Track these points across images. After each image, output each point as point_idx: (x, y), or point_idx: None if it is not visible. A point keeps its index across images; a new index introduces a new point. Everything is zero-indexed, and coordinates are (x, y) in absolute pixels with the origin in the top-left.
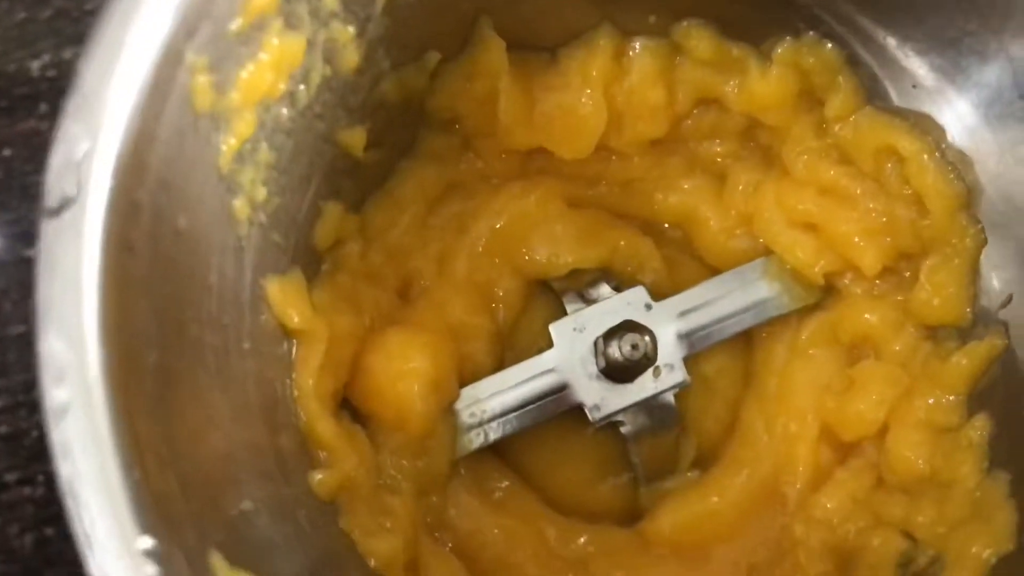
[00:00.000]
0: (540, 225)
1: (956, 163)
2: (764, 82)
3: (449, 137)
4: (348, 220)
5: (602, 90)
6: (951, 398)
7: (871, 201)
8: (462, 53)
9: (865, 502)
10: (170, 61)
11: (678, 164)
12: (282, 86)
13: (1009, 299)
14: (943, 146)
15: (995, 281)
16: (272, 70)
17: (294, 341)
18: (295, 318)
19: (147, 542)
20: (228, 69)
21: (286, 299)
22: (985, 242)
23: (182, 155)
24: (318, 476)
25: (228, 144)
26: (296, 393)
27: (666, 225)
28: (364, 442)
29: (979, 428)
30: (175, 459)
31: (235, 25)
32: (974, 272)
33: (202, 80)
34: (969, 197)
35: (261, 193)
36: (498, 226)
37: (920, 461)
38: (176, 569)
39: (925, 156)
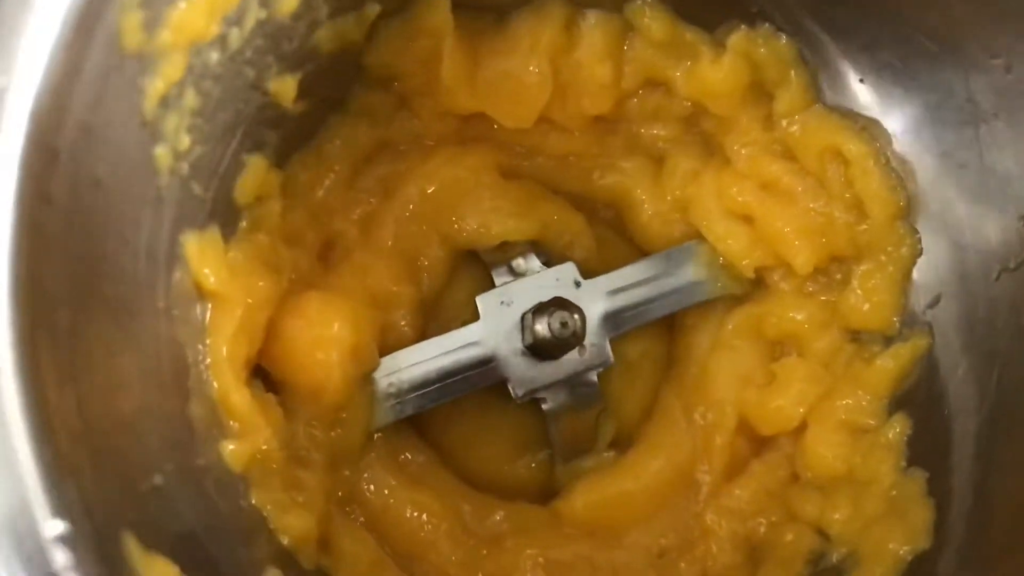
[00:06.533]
0: (472, 193)
1: (899, 171)
2: (715, 69)
3: (384, 94)
4: (271, 176)
5: (549, 60)
6: (873, 400)
7: (811, 200)
8: (405, 9)
9: (779, 496)
10: None
11: (618, 144)
12: (215, 28)
13: (937, 300)
14: (888, 152)
15: (923, 282)
16: (206, 10)
17: (208, 304)
18: (211, 279)
19: (58, 526)
20: (159, 6)
21: (203, 258)
22: (921, 252)
23: (106, 98)
24: (230, 446)
25: (155, 88)
26: (209, 360)
27: (599, 204)
28: (277, 412)
29: (898, 427)
30: (87, 432)
31: None
32: (906, 281)
33: (132, 18)
34: (909, 206)
35: (184, 141)
36: (428, 191)
37: (837, 461)
38: (87, 556)
39: (871, 161)
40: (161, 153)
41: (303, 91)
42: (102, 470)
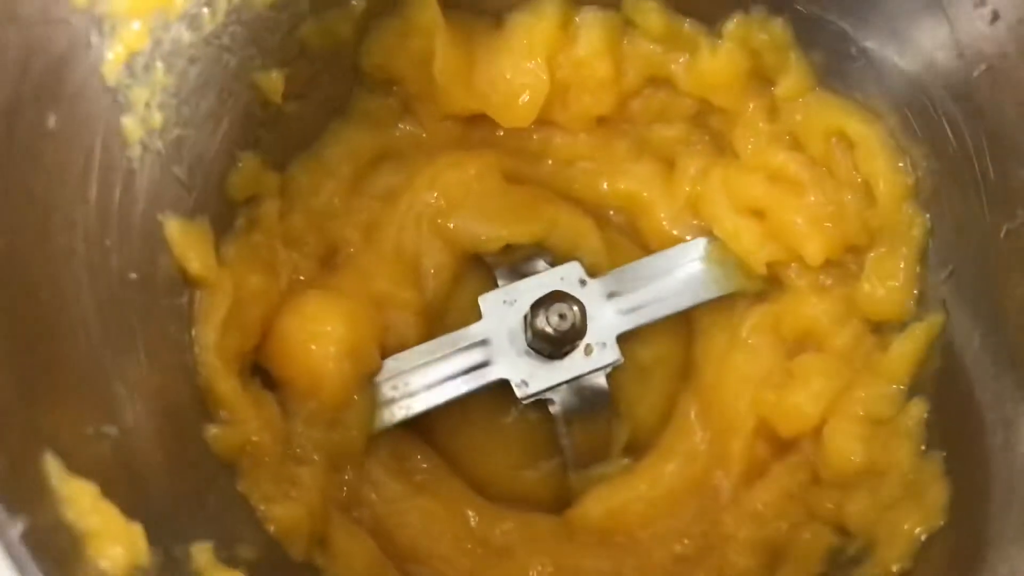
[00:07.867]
0: (476, 198)
1: (907, 150)
2: (714, 60)
3: (386, 99)
4: (267, 176)
5: (546, 57)
6: (891, 388)
7: (819, 188)
8: (395, 8)
9: (800, 498)
10: None
11: (626, 147)
12: (179, 3)
13: (951, 273)
14: (894, 131)
15: (937, 257)
16: None
17: (196, 292)
18: (195, 264)
19: None
20: None
21: (188, 243)
22: (932, 232)
23: (50, 46)
24: (213, 430)
25: (115, 52)
26: (197, 348)
27: (610, 209)
28: (272, 408)
29: (915, 413)
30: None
31: None
32: (921, 262)
33: None
34: (918, 186)
35: (156, 118)
36: (431, 197)
37: (856, 456)
38: None
39: (875, 140)
40: (130, 124)
41: (297, 91)
42: (31, 399)
